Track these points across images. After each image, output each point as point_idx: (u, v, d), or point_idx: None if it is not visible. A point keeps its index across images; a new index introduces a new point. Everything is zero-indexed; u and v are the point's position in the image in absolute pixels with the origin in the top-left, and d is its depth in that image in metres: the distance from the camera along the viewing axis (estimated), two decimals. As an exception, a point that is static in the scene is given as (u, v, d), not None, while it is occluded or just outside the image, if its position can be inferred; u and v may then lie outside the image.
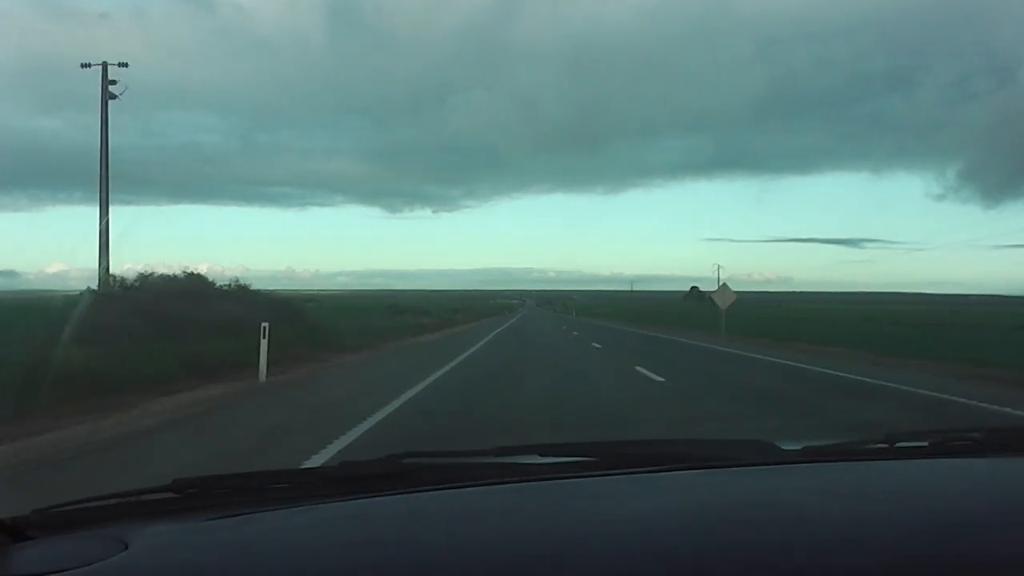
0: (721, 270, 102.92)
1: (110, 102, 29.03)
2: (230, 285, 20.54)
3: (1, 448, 6.86)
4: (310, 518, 1.28)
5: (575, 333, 40.77)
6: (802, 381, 15.23)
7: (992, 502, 1.33)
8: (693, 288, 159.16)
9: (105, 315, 15.91)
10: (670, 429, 8.45)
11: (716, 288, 38.17)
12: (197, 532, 1.22)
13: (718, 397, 12.41)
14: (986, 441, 1.74)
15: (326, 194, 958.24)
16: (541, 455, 1.63)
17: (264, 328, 12.68)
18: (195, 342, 15.45)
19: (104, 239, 29.17)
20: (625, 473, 1.51)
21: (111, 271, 23.78)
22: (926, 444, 1.76)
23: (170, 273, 19.74)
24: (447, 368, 16.42)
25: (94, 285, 22.24)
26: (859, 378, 15.23)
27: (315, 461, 6.29)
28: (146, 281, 19.36)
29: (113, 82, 29.21)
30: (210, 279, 20.44)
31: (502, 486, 1.43)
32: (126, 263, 19.17)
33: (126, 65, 29.58)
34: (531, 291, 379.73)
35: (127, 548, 1.10)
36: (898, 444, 1.73)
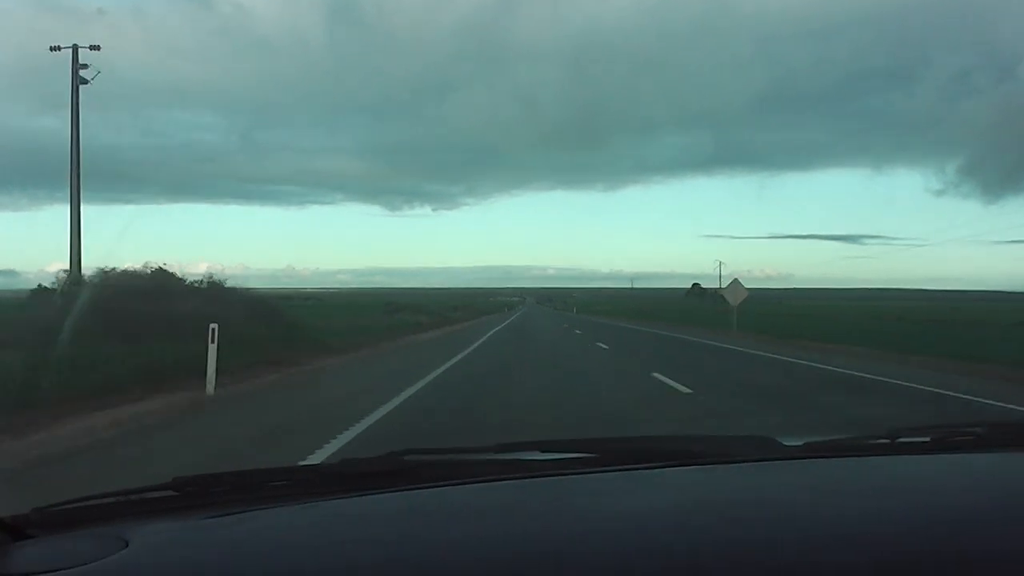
0: (723, 267, 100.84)
1: (81, 87, 27.40)
2: (201, 281, 18.66)
3: None
4: (310, 515, 1.27)
5: (577, 331, 38.53)
6: (872, 394, 12.23)
7: (993, 497, 1.32)
8: (695, 285, 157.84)
9: (57, 316, 14.25)
10: None
11: (725, 285, 36.32)
12: (197, 530, 1.22)
13: (765, 414, 9.69)
14: (988, 436, 1.74)
15: (326, 192, 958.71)
16: (541, 452, 1.62)
17: (212, 330, 10.68)
18: (154, 345, 13.83)
19: (76, 233, 27.47)
20: (625, 469, 1.50)
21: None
22: (927, 439, 1.74)
23: (134, 268, 17.83)
24: (435, 375, 14.44)
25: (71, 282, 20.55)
26: (944, 391, 12.20)
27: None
28: (107, 278, 17.49)
29: (84, 66, 27.54)
30: (179, 275, 18.52)
31: (502, 483, 1.43)
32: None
33: (98, 48, 27.90)
34: (531, 288, 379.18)
35: (127, 546, 1.09)
36: (899, 439, 1.71)
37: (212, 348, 10.54)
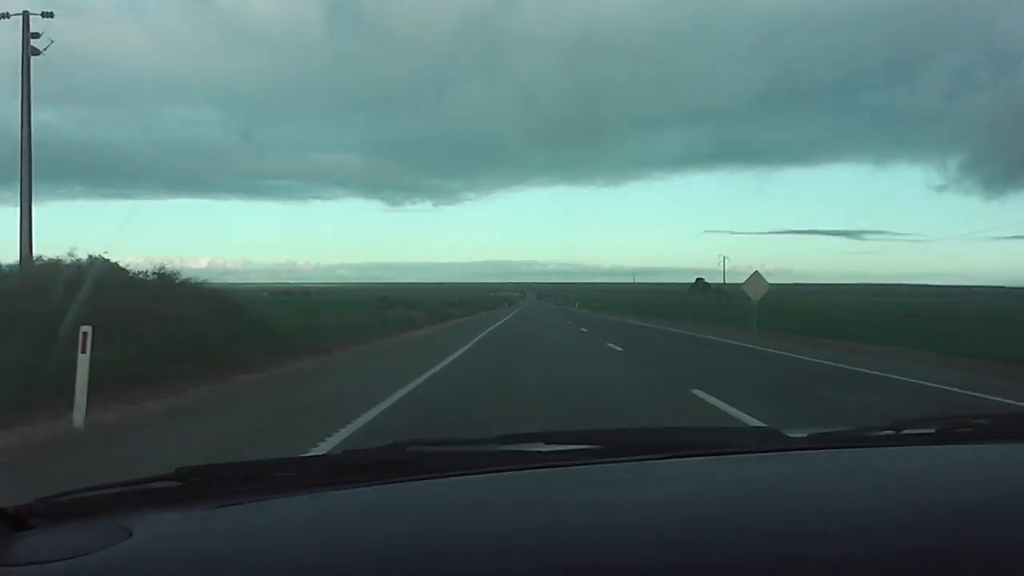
0: (727, 261, 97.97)
1: (33, 58, 24.64)
2: (145, 273, 15.90)
3: None
4: (313, 506, 1.26)
5: (583, 329, 35.52)
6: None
7: (999, 488, 1.31)
8: (698, 280, 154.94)
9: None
10: None
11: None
12: (201, 520, 1.21)
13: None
14: (993, 427, 1.72)
15: (327, 187, 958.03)
16: (545, 443, 1.61)
17: (84, 335, 7.58)
18: (71, 350, 11.15)
19: (27, 222, 24.74)
20: (629, 461, 1.49)
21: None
22: (932, 431, 1.72)
23: (66, 259, 15.05)
24: (412, 386, 11.72)
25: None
26: None
27: None
28: (31, 270, 14.73)
29: (36, 35, 24.77)
30: (123, 267, 15.75)
31: (506, 474, 1.41)
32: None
33: (51, 15, 25.07)
34: (532, 283, 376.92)
35: (131, 536, 1.09)
36: (904, 431, 1.71)
37: (83, 360, 7.45)
